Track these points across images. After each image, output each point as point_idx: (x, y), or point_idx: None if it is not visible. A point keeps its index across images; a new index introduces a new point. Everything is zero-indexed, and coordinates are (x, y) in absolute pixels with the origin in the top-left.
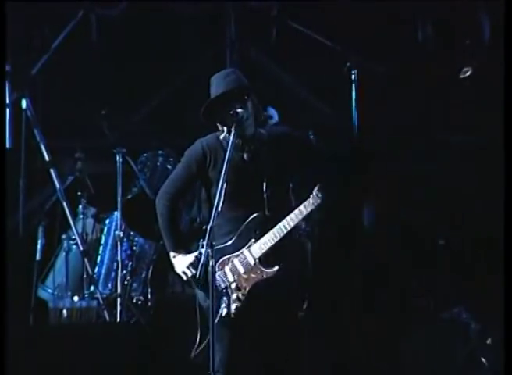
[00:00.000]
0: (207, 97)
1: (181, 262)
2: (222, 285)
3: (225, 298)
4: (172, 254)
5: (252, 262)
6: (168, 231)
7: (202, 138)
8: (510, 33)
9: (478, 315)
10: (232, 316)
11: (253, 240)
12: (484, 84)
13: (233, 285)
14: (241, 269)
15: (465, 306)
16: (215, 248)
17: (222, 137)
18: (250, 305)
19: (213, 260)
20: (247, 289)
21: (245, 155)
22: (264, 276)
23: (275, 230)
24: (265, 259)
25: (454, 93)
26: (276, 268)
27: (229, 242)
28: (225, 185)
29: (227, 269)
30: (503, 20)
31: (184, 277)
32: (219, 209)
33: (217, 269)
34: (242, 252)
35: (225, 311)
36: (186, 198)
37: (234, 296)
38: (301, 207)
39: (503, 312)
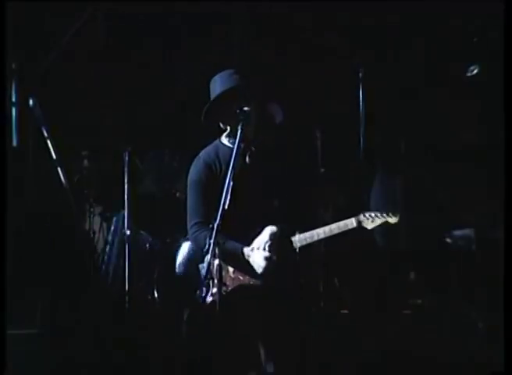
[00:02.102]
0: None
1: (259, 254)
2: (208, 275)
3: (204, 289)
4: (246, 252)
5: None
6: (226, 243)
7: (198, 155)
8: (510, 33)
9: (485, 313)
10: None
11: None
12: (490, 83)
13: (216, 280)
14: (230, 268)
15: (472, 304)
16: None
17: (218, 140)
18: (227, 304)
19: (218, 259)
20: (230, 288)
21: (247, 158)
22: (251, 283)
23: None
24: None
25: (462, 91)
26: (261, 279)
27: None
28: (231, 184)
29: (216, 261)
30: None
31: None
32: (226, 207)
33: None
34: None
35: (200, 300)
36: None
37: (214, 290)
38: (322, 229)
39: (504, 312)
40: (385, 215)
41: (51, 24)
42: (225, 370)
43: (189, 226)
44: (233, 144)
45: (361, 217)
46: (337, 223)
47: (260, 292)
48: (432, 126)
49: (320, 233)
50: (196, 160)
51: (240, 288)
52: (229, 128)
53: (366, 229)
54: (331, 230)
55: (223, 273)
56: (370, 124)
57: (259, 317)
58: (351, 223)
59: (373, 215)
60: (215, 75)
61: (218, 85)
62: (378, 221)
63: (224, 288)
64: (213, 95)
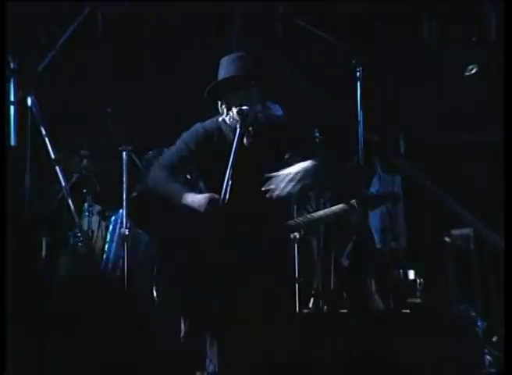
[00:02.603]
0: (215, 76)
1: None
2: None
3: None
4: (189, 198)
5: None
6: (171, 182)
7: (200, 123)
8: (510, 33)
9: (485, 312)
10: None
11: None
12: (489, 82)
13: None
14: None
15: (472, 303)
16: None
17: (221, 119)
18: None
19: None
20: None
21: (244, 140)
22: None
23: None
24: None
25: (460, 91)
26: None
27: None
28: (231, 171)
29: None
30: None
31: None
32: (227, 197)
33: None
34: None
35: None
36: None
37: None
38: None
39: (504, 312)
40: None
41: (50, 23)
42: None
43: (156, 163)
44: (234, 124)
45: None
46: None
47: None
48: (432, 124)
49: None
50: (197, 125)
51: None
52: (225, 110)
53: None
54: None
55: None
56: (368, 123)
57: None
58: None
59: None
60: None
61: (223, 68)
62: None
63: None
64: (220, 76)
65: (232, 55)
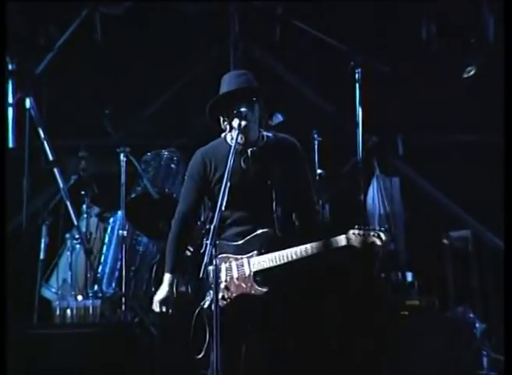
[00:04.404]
0: (213, 95)
1: (161, 293)
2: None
3: (211, 292)
4: (167, 276)
5: (247, 272)
6: (172, 252)
7: (201, 148)
8: (510, 33)
9: (483, 314)
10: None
11: (255, 252)
12: (488, 83)
13: (222, 285)
14: (235, 274)
15: (470, 305)
16: (223, 242)
17: (223, 135)
18: (231, 312)
19: (217, 259)
20: (234, 295)
21: (246, 160)
22: (252, 292)
23: (279, 254)
24: (260, 276)
25: (458, 92)
26: (265, 290)
27: (235, 243)
28: (228, 184)
29: (223, 266)
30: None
31: (156, 309)
32: (223, 209)
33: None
34: (242, 259)
35: (207, 304)
36: (198, 213)
37: (220, 295)
38: (314, 245)
39: (504, 312)
40: (375, 232)
41: (48, 24)
42: None
43: (176, 210)
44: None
45: (350, 234)
46: (322, 241)
47: (260, 303)
48: (430, 126)
49: (287, 255)
50: (196, 154)
51: (242, 297)
52: (228, 127)
53: (355, 247)
54: (310, 249)
55: (227, 278)
56: (367, 125)
57: (256, 328)
58: (340, 240)
59: (362, 233)
60: (218, 74)
61: (224, 85)
62: (369, 240)
63: (228, 294)
64: (221, 92)
65: (234, 72)
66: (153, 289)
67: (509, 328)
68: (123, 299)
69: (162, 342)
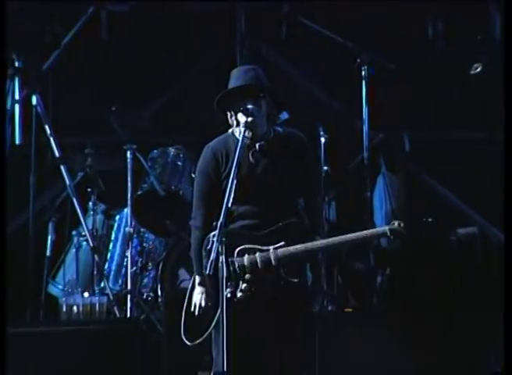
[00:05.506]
0: (220, 91)
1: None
2: (237, 271)
3: (233, 282)
4: (197, 278)
5: (274, 263)
6: (199, 259)
7: (209, 143)
8: (510, 33)
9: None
10: (235, 300)
11: (283, 242)
12: (495, 80)
13: (247, 276)
14: (260, 265)
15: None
16: (237, 234)
17: (230, 131)
18: (253, 304)
19: (223, 256)
20: (258, 287)
21: (255, 153)
22: (282, 283)
23: (309, 245)
24: (286, 266)
25: (465, 89)
26: (296, 280)
27: (259, 233)
28: (235, 181)
29: (247, 258)
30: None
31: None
32: (229, 205)
33: (236, 254)
34: (268, 250)
35: (229, 295)
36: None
37: (243, 286)
38: (352, 235)
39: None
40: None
41: (55, 22)
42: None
43: (193, 214)
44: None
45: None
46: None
47: (289, 295)
48: (437, 123)
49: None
50: (205, 149)
51: (268, 289)
52: (235, 122)
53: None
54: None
55: (251, 269)
56: (374, 122)
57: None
58: (383, 230)
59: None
60: (222, 72)
61: (232, 79)
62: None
63: (251, 286)
64: (229, 87)
65: (243, 67)
66: (159, 286)
67: (509, 328)
68: (130, 296)
69: (169, 338)
